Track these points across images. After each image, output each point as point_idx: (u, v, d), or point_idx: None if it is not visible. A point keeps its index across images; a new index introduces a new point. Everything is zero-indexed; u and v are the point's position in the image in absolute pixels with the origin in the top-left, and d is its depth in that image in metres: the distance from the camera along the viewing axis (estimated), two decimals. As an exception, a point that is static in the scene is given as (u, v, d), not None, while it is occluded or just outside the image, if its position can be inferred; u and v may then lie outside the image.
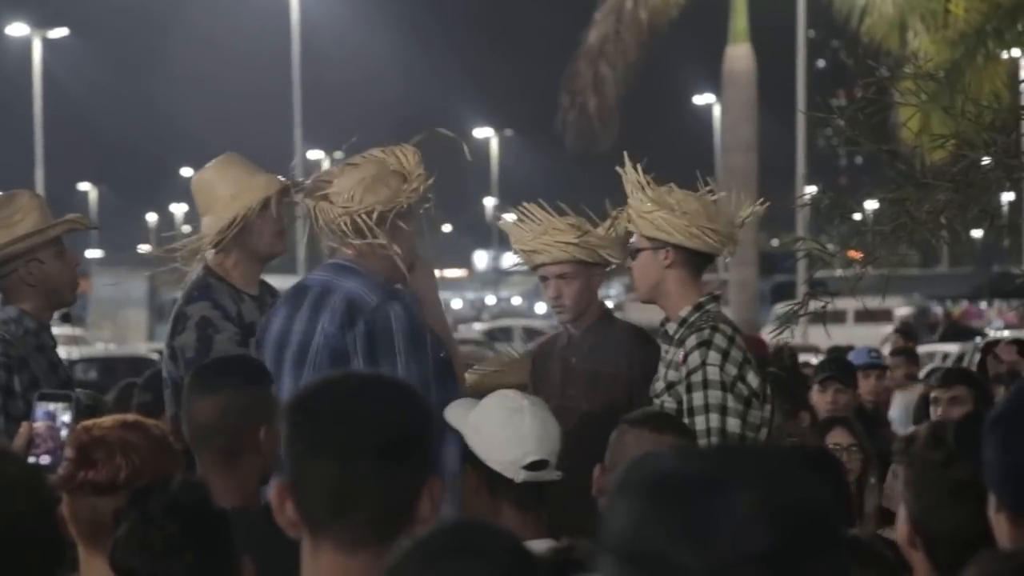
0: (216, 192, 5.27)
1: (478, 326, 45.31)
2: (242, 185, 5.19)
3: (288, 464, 2.37)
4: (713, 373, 4.77)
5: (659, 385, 4.94)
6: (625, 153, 5.09)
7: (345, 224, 4.68)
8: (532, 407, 3.82)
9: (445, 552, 1.86)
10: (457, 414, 3.95)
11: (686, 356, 4.83)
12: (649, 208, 4.95)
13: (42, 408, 3.73)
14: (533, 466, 3.72)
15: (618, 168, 5.10)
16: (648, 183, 5.01)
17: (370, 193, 4.69)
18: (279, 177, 5.31)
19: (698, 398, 4.77)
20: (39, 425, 3.67)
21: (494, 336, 38.32)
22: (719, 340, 4.82)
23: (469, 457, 3.82)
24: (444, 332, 4.96)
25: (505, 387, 4.43)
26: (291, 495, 2.35)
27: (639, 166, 5.04)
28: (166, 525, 2.84)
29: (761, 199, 5.26)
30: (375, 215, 4.65)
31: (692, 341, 4.83)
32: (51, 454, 3.66)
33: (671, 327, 4.96)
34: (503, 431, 3.74)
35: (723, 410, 4.76)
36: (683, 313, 4.93)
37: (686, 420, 4.73)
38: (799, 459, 1.50)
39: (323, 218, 4.73)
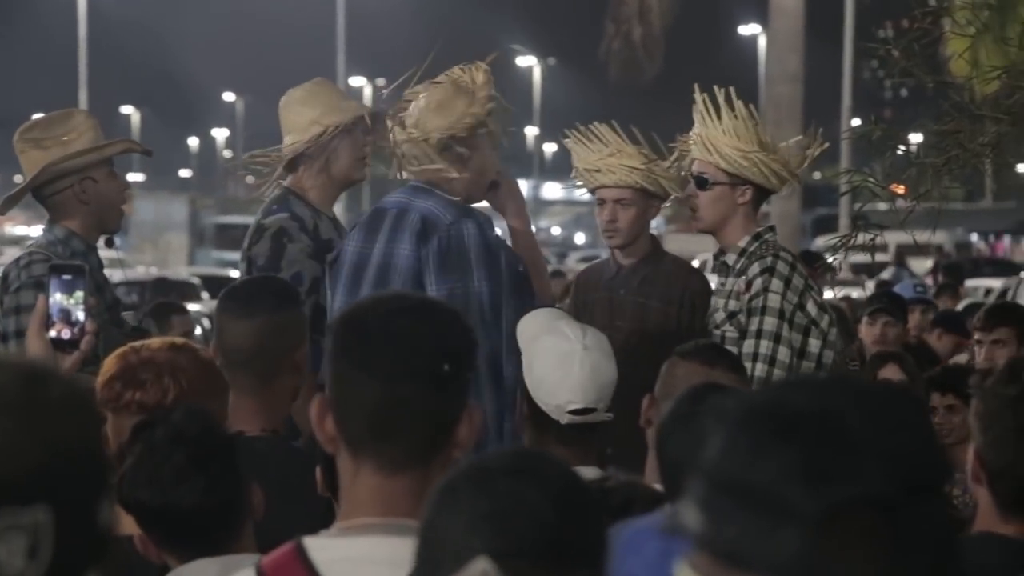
0: (302, 111, 5.34)
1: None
2: (329, 107, 5.26)
3: (331, 381, 2.35)
4: (774, 300, 4.83)
5: (719, 316, 4.99)
6: (712, 87, 5.05)
7: (406, 152, 4.71)
8: (586, 352, 3.75)
9: (502, 472, 1.86)
10: (526, 334, 3.92)
11: (749, 283, 4.88)
12: (745, 147, 4.96)
13: (56, 281, 3.70)
14: (578, 411, 3.70)
15: (697, 97, 5.06)
16: (756, 120, 5.03)
17: (433, 118, 4.70)
18: (366, 105, 5.39)
19: (755, 323, 4.84)
20: (52, 315, 3.65)
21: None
22: (781, 267, 4.88)
23: (522, 386, 3.80)
24: (531, 248, 4.98)
25: None
26: (332, 411, 2.33)
27: (741, 101, 5.03)
28: (172, 456, 2.82)
29: (824, 142, 5.21)
30: (434, 141, 4.67)
31: (755, 268, 4.88)
32: (70, 328, 3.65)
33: (730, 258, 5.01)
34: (552, 375, 3.71)
35: (776, 338, 4.82)
36: (742, 244, 4.99)
37: (744, 342, 4.80)
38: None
39: (395, 143, 4.77)
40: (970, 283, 21.43)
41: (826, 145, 5.19)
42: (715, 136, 5.00)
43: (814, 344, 4.85)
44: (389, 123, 4.84)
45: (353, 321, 2.37)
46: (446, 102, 4.73)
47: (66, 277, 3.69)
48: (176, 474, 2.82)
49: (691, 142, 5.13)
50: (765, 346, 4.79)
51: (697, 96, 5.05)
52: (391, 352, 2.30)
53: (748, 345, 4.82)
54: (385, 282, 4.63)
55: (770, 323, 4.81)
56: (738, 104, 5.01)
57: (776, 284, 4.84)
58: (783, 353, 4.79)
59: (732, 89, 5.05)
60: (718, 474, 1.38)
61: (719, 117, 5.01)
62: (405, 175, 4.82)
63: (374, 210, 4.88)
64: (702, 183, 5.03)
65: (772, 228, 5.10)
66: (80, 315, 3.64)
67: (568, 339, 3.78)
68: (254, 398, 3.62)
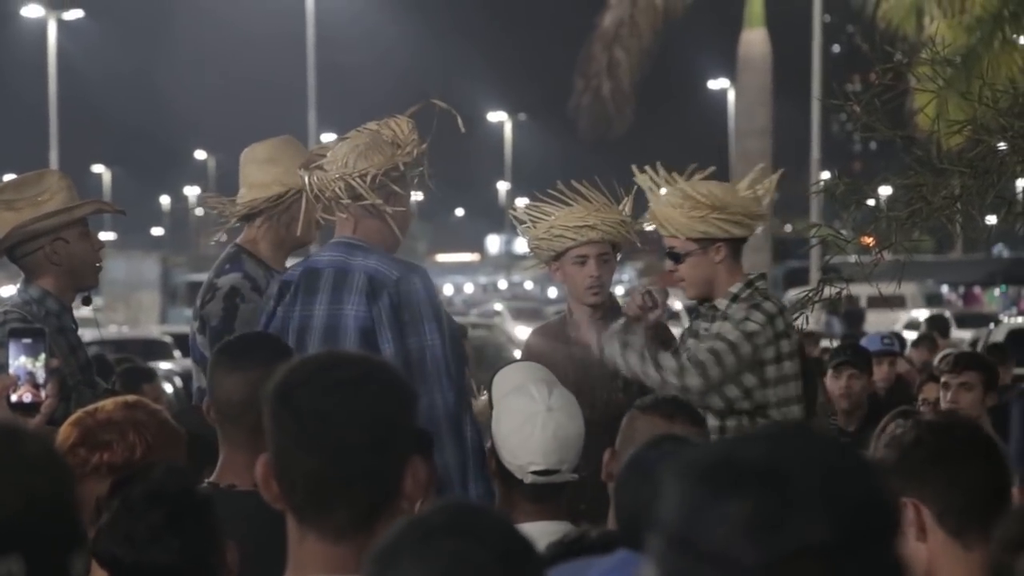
0: (264, 168, 5.38)
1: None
2: (292, 168, 5.19)
3: (271, 452, 2.35)
4: (749, 326, 4.89)
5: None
6: (648, 166, 5.11)
7: (340, 188, 4.66)
8: (550, 413, 3.78)
9: (441, 532, 1.82)
10: (499, 390, 3.93)
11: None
12: (697, 214, 4.97)
13: (15, 345, 3.69)
14: (540, 472, 3.72)
15: (636, 173, 5.12)
16: (674, 179, 5.07)
17: (363, 159, 4.67)
18: None
19: (715, 327, 4.93)
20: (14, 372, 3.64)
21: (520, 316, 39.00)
22: (768, 306, 4.95)
23: (492, 440, 3.83)
24: None
25: None
26: (275, 479, 2.34)
27: (658, 166, 5.09)
28: (149, 514, 2.81)
29: (782, 170, 5.29)
30: (368, 178, 4.64)
31: (743, 305, 4.96)
32: (32, 390, 3.63)
33: (721, 303, 5.04)
34: (515, 435, 3.74)
35: (733, 347, 4.85)
36: (734, 289, 5.03)
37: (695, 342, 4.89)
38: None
39: (317, 186, 4.71)
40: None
41: (775, 177, 5.24)
42: (665, 212, 5.03)
43: (771, 372, 4.90)
44: (303, 172, 4.80)
45: (286, 397, 2.35)
46: (373, 145, 4.69)
47: (26, 341, 3.68)
48: (152, 532, 2.80)
49: (648, 224, 5.20)
50: (719, 344, 4.85)
51: (637, 175, 5.14)
52: (324, 432, 2.29)
53: (694, 344, 4.92)
54: (332, 344, 4.55)
55: (733, 334, 4.87)
56: (674, 175, 5.09)
57: (757, 316, 4.91)
58: (729, 361, 4.83)
59: (660, 164, 5.13)
60: (671, 530, 1.40)
61: (660, 190, 5.07)
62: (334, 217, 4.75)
63: (307, 270, 4.79)
64: (676, 258, 5.07)
65: (763, 276, 5.17)
66: (41, 379, 3.63)
67: (533, 400, 3.80)
68: (246, 452, 3.59)
